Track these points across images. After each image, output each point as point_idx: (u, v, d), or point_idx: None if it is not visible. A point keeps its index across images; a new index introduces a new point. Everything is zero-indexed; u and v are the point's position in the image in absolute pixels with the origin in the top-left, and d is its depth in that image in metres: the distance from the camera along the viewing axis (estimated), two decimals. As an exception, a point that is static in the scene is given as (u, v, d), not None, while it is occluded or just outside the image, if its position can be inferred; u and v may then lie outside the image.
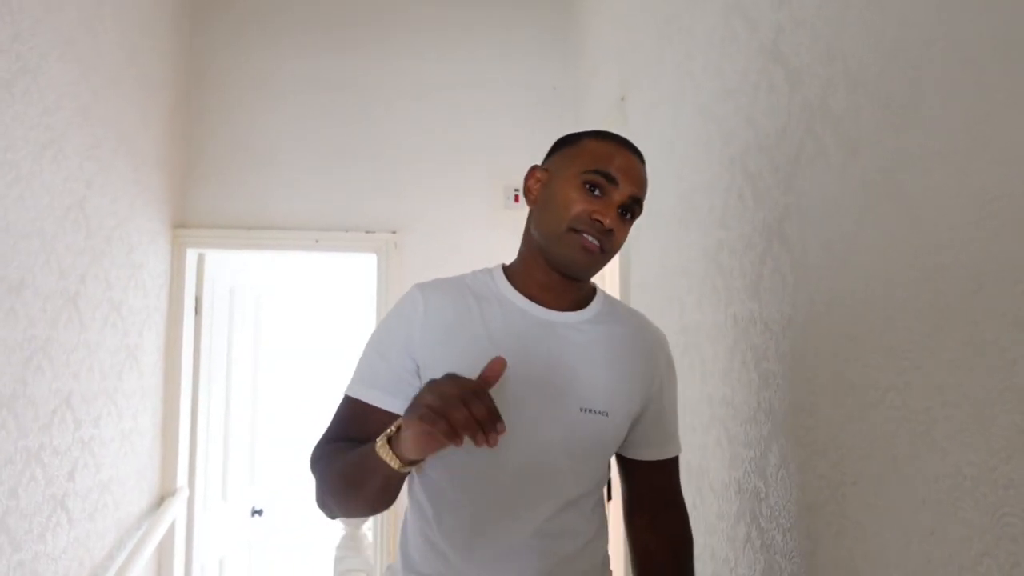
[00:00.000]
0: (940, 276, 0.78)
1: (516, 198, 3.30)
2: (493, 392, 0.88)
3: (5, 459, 1.92)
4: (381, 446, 0.92)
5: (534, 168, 1.14)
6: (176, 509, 2.93)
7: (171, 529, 2.93)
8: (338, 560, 2.06)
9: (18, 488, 1.98)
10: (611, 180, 1.06)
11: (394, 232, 3.18)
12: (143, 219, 2.78)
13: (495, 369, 0.91)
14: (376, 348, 1.11)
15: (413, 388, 1.04)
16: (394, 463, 0.91)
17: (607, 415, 1.09)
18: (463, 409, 0.82)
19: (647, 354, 1.15)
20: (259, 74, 3.23)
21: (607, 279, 2.97)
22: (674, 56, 1.77)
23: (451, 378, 0.87)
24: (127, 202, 2.64)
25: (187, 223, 3.11)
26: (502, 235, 3.06)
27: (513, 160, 3.30)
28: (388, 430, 0.93)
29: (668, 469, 1.20)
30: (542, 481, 1.07)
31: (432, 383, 0.88)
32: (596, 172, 1.06)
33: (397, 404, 1.06)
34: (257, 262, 3.83)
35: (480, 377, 0.90)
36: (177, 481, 2.98)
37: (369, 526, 2.94)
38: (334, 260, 4.35)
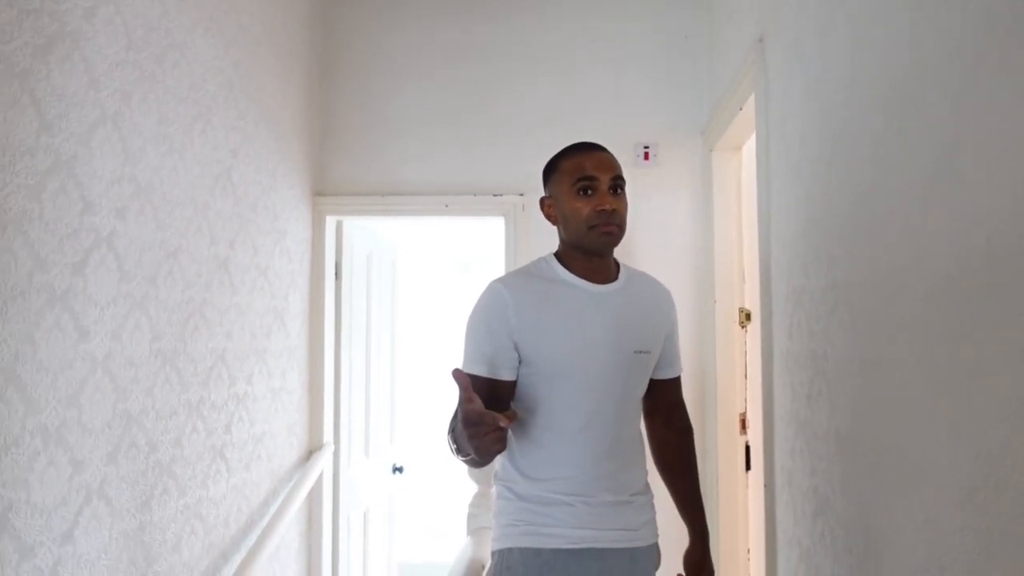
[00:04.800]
0: None
1: (646, 156, 3.16)
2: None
3: (170, 411, 2.08)
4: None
5: (543, 198, 1.58)
6: (323, 463, 3.10)
7: (319, 481, 3.10)
8: (471, 517, 2.09)
9: (182, 438, 2.15)
10: (592, 178, 1.47)
11: (521, 195, 3.16)
12: (285, 188, 2.92)
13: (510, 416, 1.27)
14: (480, 334, 1.47)
15: (514, 359, 1.45)
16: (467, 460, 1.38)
17: (650, 352, 1.54)
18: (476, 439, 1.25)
19: (663, 304, 1.63)
20: (388, 46, 3.27)
21: (745, 236, 2.81)
22: (821, -17, 1.60)
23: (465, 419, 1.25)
24: (270, 171, 2.77)
25: (325, 191, 3.24)
26: (631, 193, 2.94)
27: (643, 116, 3.17)
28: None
29: (675, 383, 1.68)
30: (616, 407, 1.49)
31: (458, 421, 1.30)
32: (579, 180, 1.47)
33: (504, 373, 1.45)
34: (391, 227, 3.94)
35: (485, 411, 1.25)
36: (323, 437, 3.15)
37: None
38: (463, 224, 4.40)
